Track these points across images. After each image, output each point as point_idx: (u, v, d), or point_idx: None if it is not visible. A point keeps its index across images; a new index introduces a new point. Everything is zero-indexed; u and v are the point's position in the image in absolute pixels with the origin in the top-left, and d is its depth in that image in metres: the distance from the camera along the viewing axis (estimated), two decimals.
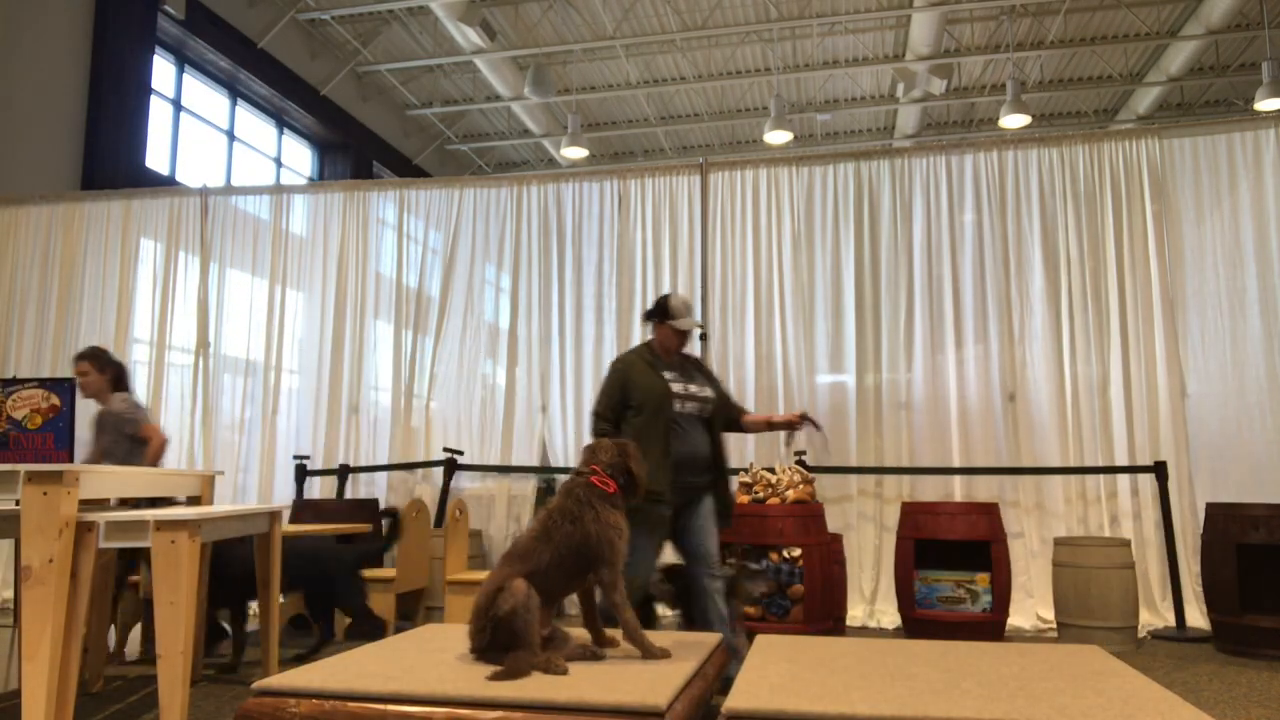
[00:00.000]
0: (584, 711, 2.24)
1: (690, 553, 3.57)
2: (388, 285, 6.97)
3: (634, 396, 3.48)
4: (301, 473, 6.55)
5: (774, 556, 4.46)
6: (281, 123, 11.84)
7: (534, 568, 2.74)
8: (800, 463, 5.48)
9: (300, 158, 12.34)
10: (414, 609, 5.61)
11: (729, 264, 6.35)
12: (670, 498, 3.43)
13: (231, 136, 10.84)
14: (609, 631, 3.02)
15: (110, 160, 8.40)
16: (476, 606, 2.76)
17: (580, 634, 2.89)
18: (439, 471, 6.43)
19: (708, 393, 3.60)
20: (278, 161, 11.76)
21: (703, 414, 3.58)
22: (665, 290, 6.42)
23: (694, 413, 3.56)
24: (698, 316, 3.52)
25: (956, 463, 5.80)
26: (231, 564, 4.14)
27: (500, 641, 2.66)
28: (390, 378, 6.84)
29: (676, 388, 3.52)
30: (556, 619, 2.95)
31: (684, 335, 3.63)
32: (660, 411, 3.44)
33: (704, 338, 6.28)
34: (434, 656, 2.79)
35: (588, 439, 3.54)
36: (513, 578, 2.74)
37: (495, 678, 2.47)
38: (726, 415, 3.71)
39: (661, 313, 3.61)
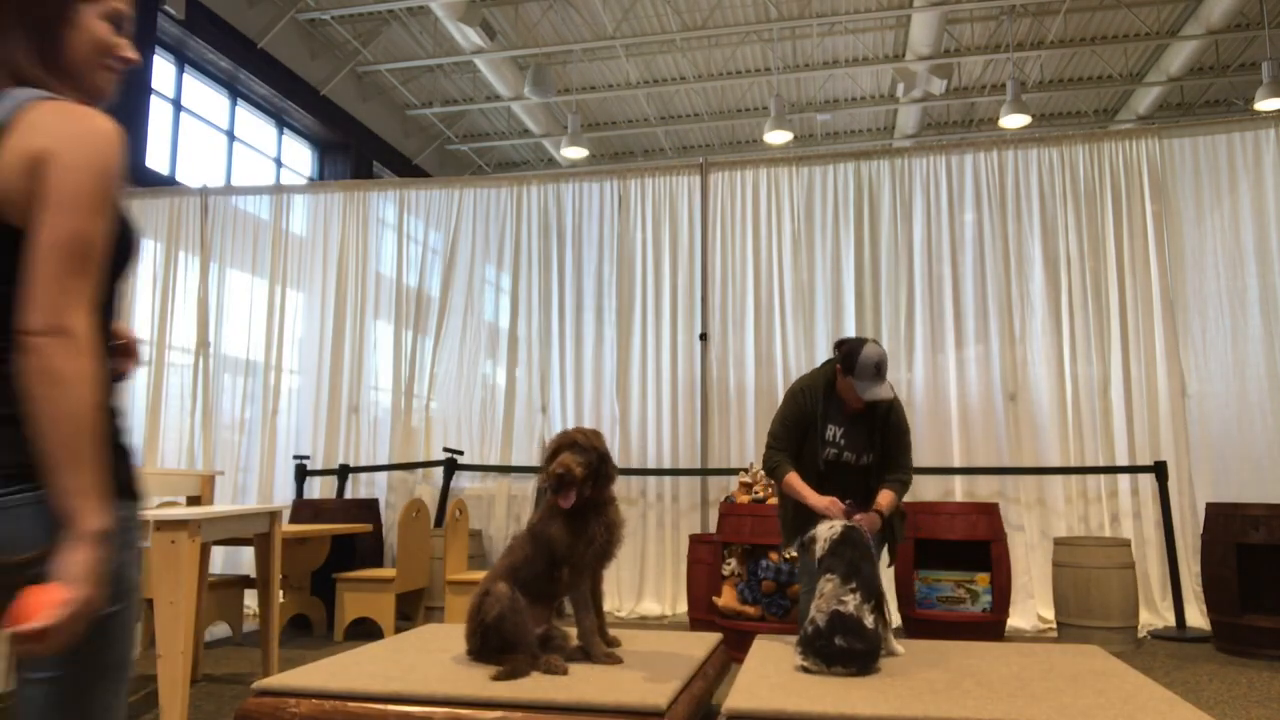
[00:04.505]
0: (584, 711, 2.25)
1: None
2: (388, 285, 6.97)
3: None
4: (301, 473, 6.55)
5: (773, 556, 4.45)
6: (281, 123, 11.83)
7: (514, 561, 2.82)
8: None
9: (300, 158, 12.33)
10: (414, 609, 5.61)
11: (729, 264, 6.35)
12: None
13: (231, 136, 10.83)
14: (611, 632, 3.03)
15: None
16: (469, 610, 2.80)
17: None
18: (439, 471, 6.43)
19: (864, 460, 3.25)
20: (278, 161, 11.75)
21: (852, 465, 3.29)
22: (666, 289, 6.40)
23: (845, 461, 3.28)
24: (886, 386, 3.06)
25: (957, 462, 5.80)
26: None
27: (495, 644, 2.68)
28: (390, 378, 6.84)
29: (830, 452, 3.22)
30: (557, 619, 2.96)
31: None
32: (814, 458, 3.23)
33: (704, 338, 6.28)
34: (434, 656, 2.79)
35: None
36: (495, 579, 2.80)
37: (497, 678, 2.48)
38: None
39: (845, 363, 3.06)
